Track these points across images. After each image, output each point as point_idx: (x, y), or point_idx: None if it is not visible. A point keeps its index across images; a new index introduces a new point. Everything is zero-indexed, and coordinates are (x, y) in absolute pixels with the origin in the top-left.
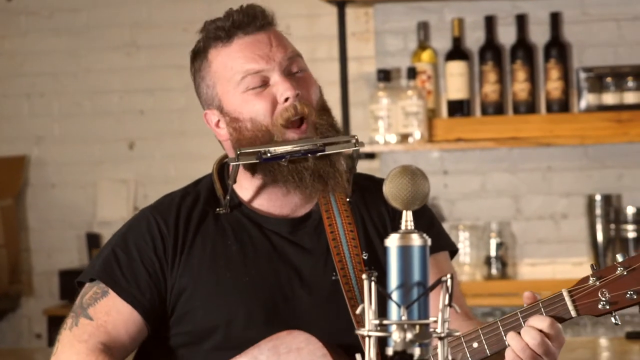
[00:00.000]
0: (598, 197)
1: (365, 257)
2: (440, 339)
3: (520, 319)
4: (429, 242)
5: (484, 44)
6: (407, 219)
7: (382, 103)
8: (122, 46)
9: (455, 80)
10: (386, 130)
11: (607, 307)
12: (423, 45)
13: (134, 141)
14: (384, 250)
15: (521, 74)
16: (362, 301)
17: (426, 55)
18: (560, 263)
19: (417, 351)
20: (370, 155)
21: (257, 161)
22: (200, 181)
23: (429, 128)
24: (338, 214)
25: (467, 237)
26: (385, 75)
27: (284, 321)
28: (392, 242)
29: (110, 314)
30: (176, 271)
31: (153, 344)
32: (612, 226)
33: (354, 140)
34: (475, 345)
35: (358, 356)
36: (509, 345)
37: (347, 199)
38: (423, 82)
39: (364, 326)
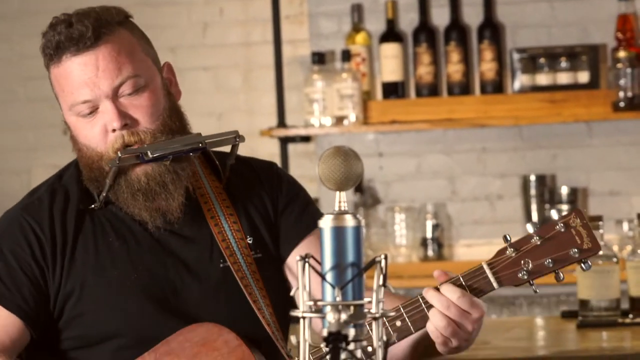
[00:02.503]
0: (532, 178)
1: (250, 242)
2: (375, 319)
3: (423, 305)
4: (363, 222)
5: (418, 26)
6: (341, 200)
7: (317, 86)
8: None
9: (390, 62)
10: (321, 113)
11: (526, 276)
12: (357, 28)
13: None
14: (268, 231)
15: (455, 56)
16: (256, 286)
17: (360, 37)
18: (496, 244)
19: (351, 332)
20: (306, 139)
21: (139, 162)
22: (63, 174)
23: (364, 110)
24: (215, 200)
25: (403, 218)
26: (319, 58)
27: (178, 314)
28: (326, 223)
29: None
30: (59, 275)
31: (42, 348)
32: (547, 206)
33: (234, 135)
34: (398, 324)
35: (292, 337)
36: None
37: (222, 186)
38: (357, 65)
39: (262, 310)
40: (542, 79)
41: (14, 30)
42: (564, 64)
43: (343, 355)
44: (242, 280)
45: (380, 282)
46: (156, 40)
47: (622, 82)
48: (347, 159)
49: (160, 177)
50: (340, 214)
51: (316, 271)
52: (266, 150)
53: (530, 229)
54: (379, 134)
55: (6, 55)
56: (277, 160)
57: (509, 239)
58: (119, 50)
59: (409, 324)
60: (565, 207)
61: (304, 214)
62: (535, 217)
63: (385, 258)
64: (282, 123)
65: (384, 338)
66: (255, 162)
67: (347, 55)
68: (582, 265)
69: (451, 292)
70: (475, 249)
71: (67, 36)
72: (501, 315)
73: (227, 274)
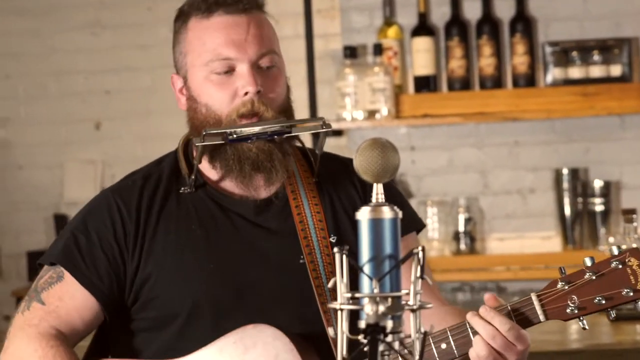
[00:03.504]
0: (565, 171)
1: (333, 240)
2: (413, 311)
3: (469, 330)
4: (400, 214)
5: (450, 20)
6: (378, 192)
7: (349, 80)
8: (87, 26)
9: (422, 56)
10: (353, 107)
11: (576, 311)
12: (389, 22)
13: (100, 121)
14: (353, 232)
15: (487, 49)
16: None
17: (392, 31)
18: (528, 237)
19: (389, 323)
20: (338, 132)
21: (223, 142)
22: (164, 159)
23: (396, 104)
24: (304, 195)
25: (435, 212)
26: (351, 52)
27: (250, 307)
28: (363, 215)
29: (63, 299)
30: (137, 258)
31: (113, 328)
32: (580, 200)
33: (320, 122)
34: (443, 346)
35: (330, 330)
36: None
37: (314, 180)
38: (389, 59)
39: (327, 312)
40: (575, 72)
41: (44, 25)
42: (596, 57)
43: (381, 347)
44: (315, 281)
45: (418, 274)
46: None
47: None
48: (384, 150)
49: (270, 151)
50: (377, 206)
51: (354, 263)
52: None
53: (587, 262)
54: (411, 128)
55: (37, 50)
56: None
57: (563, 271)
58: (267, 25)
59: (453, 347)
60: (597, 201)
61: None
62: (567, 211)
63: (423, 250)
64: (314, 117)
65: (422, 330)
66: (349, 161)
67: (378, 49)
68: (637, 304)
69: (499, 323)
70: (507, 243)
71: None
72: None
73: (303, 270)
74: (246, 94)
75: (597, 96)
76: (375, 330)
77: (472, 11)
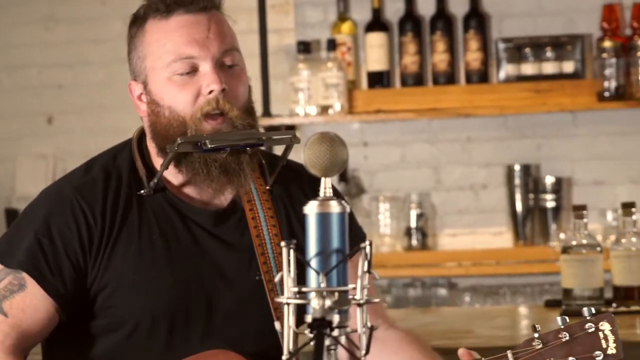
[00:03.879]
0: (517, 167)
1: None
2: (359, 305)
3: None
4: (348, 209)
5: (404, 15)
6: (326, 186)
7: (302, 75)
8: (40, 20)
9: (375, 52)
10: (306, 102)
11: None
12: (343, 17)
13: (52, 116)
14: None
15: (441, 45)
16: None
17: (346, 26)
18: (480, 233)
19: (336, 318)
20: (291, 127)
21: (197, 150)
22: (118, 154)
23: (349, 100)
24: (260, 206)
25: (387, 208)
26: (305, 47)
27: (205, 322)
28: (311, 209)
29: (26, 311)
30: (98, 265)
31: (64, 330)
32: (531, 196)
33: (291, 136)
34: None
35: (277, 324)
36: None
37: (267, 187)
38: (343, 54)
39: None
40: (528, 68)
41: None
42: (549, 53)
43: (327, 342)
44: (271, 294)
45: (365, 269)
46: None
47: (607, 72)
48: (332, 144)
49: (239, 156)
50: (325, 200)
51: (301, 258)
52: None
53: (559, 322)
54: (364, 124)
55: None
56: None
57: (538, 329)
58: (227, 24)
59: None
60: (549, 197)
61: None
62: (519, 207)
63: (370, 244)
64: (267, 112)
65: (369, 324)
66: (300, 166)
67: (332, 45)
68: None
69: None
70: (459, 239)
71: None
72: (485, 305)
73: (260, 287)
74: (211, 92)
75: (550, 92)
76: (321, 325)
77: (426, 7)
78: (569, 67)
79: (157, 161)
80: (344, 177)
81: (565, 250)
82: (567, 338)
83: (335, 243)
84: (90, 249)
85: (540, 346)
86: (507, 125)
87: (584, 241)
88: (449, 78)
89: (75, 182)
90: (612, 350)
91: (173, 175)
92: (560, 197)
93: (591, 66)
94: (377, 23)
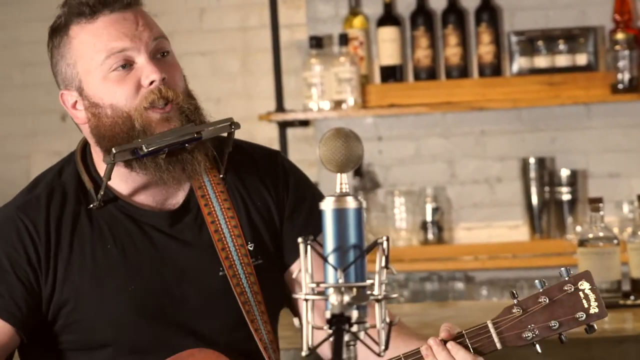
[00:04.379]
0: (532, 160)
1: (251, 248)
2: (378, 301)
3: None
4: (364, 204)
5: (415, 9)
6: (342, 182)
7: (315, 70)
8: (53, 17)
9: (388, 46)
10: (319, 97)
11: (530, 337)
12: (354, 12)
13: (66, 113)
14: (271, 237)
15: (453, 39)
16: (253, 297)
17: (358, 21)
18: (495, 227)
19: (354, 313)
20: (304, 123)
21: (135, 157)
22: (64, 169)
23: (362, 94)
24: (216, 201)
25: (402, 202)
26: (317, 42)
27: (174, 324)
28: (327, 205)
29: None
30: (52, 280)
31: (35, 348)
32: (547, 189)
33: (229, 123)
34: None
35: (295, 320)
36: None
37: (221, 176)
38: (355, 49)
39: (255, 324)
40: (541, 61)
41: (10, 16)
42: (562, 46)
43: (346, 337)
44: (240, 296)
45: (383, 264)
46: None
47: (620, 64)
48: (347, 140)
49: (181, 154)
50: (341, 196)
51: (318, 253)
52: (265, 134)
53: (538, 285)
54: (378, 118)
55: (2, 41)
56: (276, 145)
57: (516, 295)
58: (152, 17)
59: None
60: (564, 190)
61: (310, 220)
62: (534, 200)
63: (387, 240)
64: (280, 107)
65: (387, 320)
66: (256, 151)
67: (344, 39)
68: (587, 328)
69: (460, 356)
70: (475, 232)
71: None
72: (502, 298)
73: (225, 282)
74: (152, 83)
75: (563, 85)
76: (340, 321)
77: (437, 1)
78: (582, 59)
79: (104, 169)
80: (358, 172)
81: (582, 243)
82: (547, 302)
83: (352, 239)
84: (39, 265)
85: (521, 313)
86: (521, 119)
87: (601, 234)
88: (462, 72)
89: (18, 202)
90: (594, 309)
91: (122, 184)
92: (575, 189)
93: (604, 58)
94: (389, 17)
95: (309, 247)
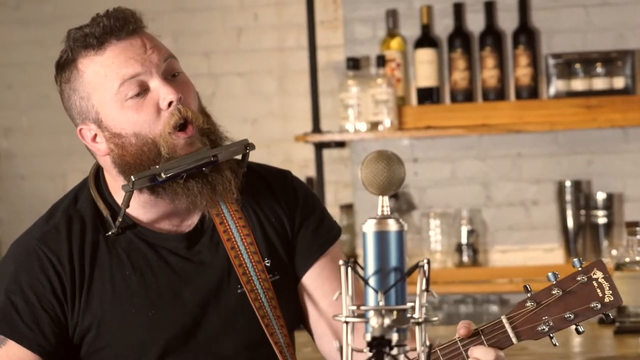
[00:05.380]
0: (568, 183)
1: (267, 264)
2: (418, 324)
3: (461, 348)
4: (406, 227)
5: (453, 31)
6: (384, 204)
7: (352, 91)
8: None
9: (425, 68)
10: (356, 119)
11: (546, 330)
12: (392, 33)
13: None
14: (286, 251)
15: (490, 61)
16: (272, 312)
17: (395, 43)
18: (531, 250)
19: (395, 336)
20: (341, 144)
21: (153, 184)
22: (79, 196)
23: (399, 116)
24: (231, 219)
25: (437, 224)
26: (354, 64)
27: (198, 345)
28: (369, 227)
29: None
30: (77, 310)
31: None
32: (583, 212)
33: (244, 144)
34: None
35: (335, 342)
36: None
37: (235, 196)
38: (392, 70)
39: (276, 338)
40: (578, 84)
41: (47, 34)
42: (599, 69)
43: None
44: (259, 310)
45: (424, 287)
46: (191, 45)
47: None
48: (390, 163)
49: (221, 167)
50: (383, 219)
51: (360, 276)
52: (301, 155)
53: (551, 278)
54: (414, 140)
55: (40, 60)
56: (312, 166)
57: (529, 289)
58: (156, 37)
59: None
60: (600, 213)
61: (319, 231)
62: (570, 223)
63: (429, 263)
64: (317, 128)
65: (427, 343)
66: (268, 172)
67: (382, 61)
68: (604, 318)
69: (485, 355)
70: (510, 255)
71: (116, 19)
72: None
73: (243, 299)
74: (170, 104)
75: (600, 108)
76: (380, 344)
77: (475, 23)
78: (619, 82)
79: (121, 196)
80: (394, 194)
81: (619, 267)
82: (561, 293)
83: (393, 261)
84: (65, 297)
85: (535, 306)
86: (557, 141)
87: (638, 258)
88: (499, 94)
89: (38, 234)
90: (609, 297)
91: (139, 209)
92: (611, 213)
93: None
94: (426, 39)
95: (349, 269)
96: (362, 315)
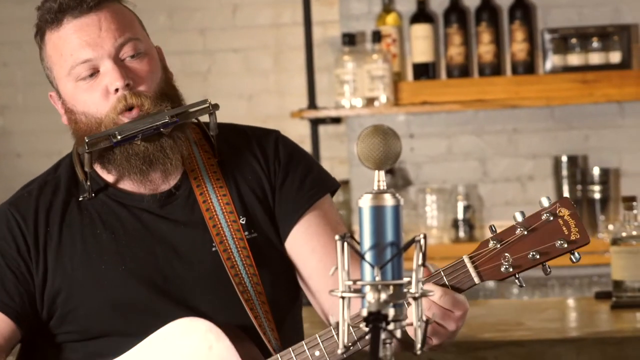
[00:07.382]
0: (564, 159)
1: (243, 222)
2: (415, 299)
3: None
4: (402, 201)
5: (449, 7)
6: (380, 179)
7: (348, 67)
8: None
9: (420, 43)
10: (352, 95)
11: (510, 270)
12: (387, 9)
13: None
14: (264, 209)
15: (486, 36)
16: (245, 270)
17: (391, 18)
18: None
19: (391, 311)
20: (336, 120)
21: (110, 145)
22: (60, 165)
23: (395, 91)
24: (208, 180)
25: (434, 200)
26: (350, 39)
27: (170, 302)
28: (365, 202)
29: None
30: (43, 270)
31: (37, 342)
32: (579, 187)
33: (207, 104)
34: None
35: (331, 318)
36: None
37: (216, 159)
38: (388, 46)
39: (247, 296)
40: (574, 59)
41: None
42: (595, 44)
43: (383, 335)
44: (231, 270)
45: (420, 262)
46: (186, 22)
47: None
48: (386, 137)
49: (160, 143)
50: (379, 193)
51: (355, 251)
52: (297, 131)
53: (518, 217)
54: (410, 115)
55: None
56: (308, 142)
57: (494, 229)
58: (121, 15)
59: None
60: (596, 188)
61: (304, 186)
62: None
63: (425, 238)
64: (312, 104)
65: (424, 318)
66: (253, 131)
67: (377, 37)
68: (572, 257)
69: (435, 289)
70: None
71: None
72: (533, 297)
73: (217, 258)
74: (116, 90)
75: (596, 83)
76: (377, 319)
77: None
78: (615, 57)
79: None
80: (390, 170)
81: (615, 241)
82: (525, 232)
83: (389, 236)
84: (29, 255)
85: (497, 245)
86: (553, 117)
87: (634, 232)
88: (495, 69)
89: (12, 199)
90: (575, 235)
91: (109, 175)
92: (608, 188)
93: (638, 56)
94: (422, 14)
95: (345, 244)
96: (359, 290)
